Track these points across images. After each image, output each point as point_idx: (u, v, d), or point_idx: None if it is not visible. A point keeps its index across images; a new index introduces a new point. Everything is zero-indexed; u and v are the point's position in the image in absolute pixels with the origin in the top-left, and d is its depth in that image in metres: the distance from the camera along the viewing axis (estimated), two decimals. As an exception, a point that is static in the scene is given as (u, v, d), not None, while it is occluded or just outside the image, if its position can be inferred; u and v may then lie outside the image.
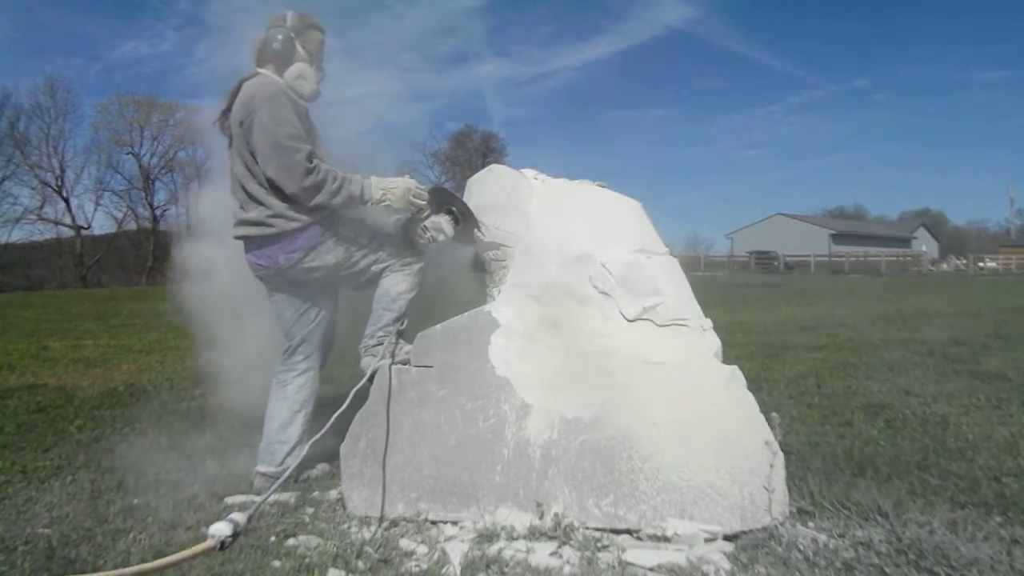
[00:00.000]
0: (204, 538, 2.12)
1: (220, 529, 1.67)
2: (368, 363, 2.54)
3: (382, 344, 2.58)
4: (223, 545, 1.66)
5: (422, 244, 2.65)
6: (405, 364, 2.40)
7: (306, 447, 2.71)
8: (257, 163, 2.53)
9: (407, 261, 2.71)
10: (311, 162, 2.47)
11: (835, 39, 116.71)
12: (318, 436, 2.19)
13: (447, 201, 2.64)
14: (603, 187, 2.69)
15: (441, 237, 2.60)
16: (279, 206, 2.53)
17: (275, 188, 2.52)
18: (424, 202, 2.63)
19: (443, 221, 2.60)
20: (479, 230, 2.60)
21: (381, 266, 2.70)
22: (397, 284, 2.68)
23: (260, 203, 2.56)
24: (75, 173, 40.27)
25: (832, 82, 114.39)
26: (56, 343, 7.92)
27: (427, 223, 2.61)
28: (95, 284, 35.38)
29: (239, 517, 1.71)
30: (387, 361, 2.48)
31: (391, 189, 2.60)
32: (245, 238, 2.64)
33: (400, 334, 2.62)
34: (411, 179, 2.64)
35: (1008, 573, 1.83)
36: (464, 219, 2.61)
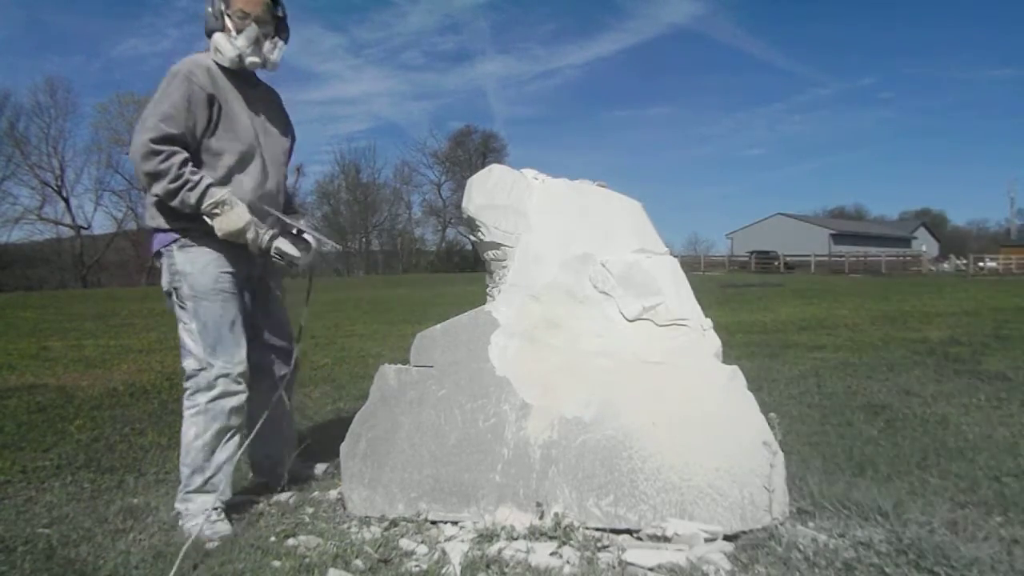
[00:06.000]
0: (206, 540, 2.13)
1: None
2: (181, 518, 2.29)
3: (189, 504, 2.29)
4: None
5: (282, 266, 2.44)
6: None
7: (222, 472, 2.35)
8: None
9: (197, 385, 2.34)
10: (159, 145, 2.22)
11: (842, 36, 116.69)
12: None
13: (288, 226, 2.46)
14: (603, 187, 2.69)
15: (288, 261, 2.38)
16: (148, 198, 2.35)
17: None
18: (253, 238, 2.32)
19: (283, 244, 2.37)
20: (329, 243, 2.46)
21: (184, 340, 2.35)
22: (187, 430, 2.34)
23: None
24: (75, 173, 40.41)
25: (839, 80, 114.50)
26: (56, 343, 7.92)
27: (272, 250, 2.37)
28: (95, 284, 35.40)
29: None
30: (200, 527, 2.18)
31: (226, 213, 2.27)
32: None
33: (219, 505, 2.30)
34: (249, 217, 2.30)
35: (1008, 573, 1.83)
36: (309, 240, 2.45)
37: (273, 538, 2.16)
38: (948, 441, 3.19)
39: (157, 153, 2.21)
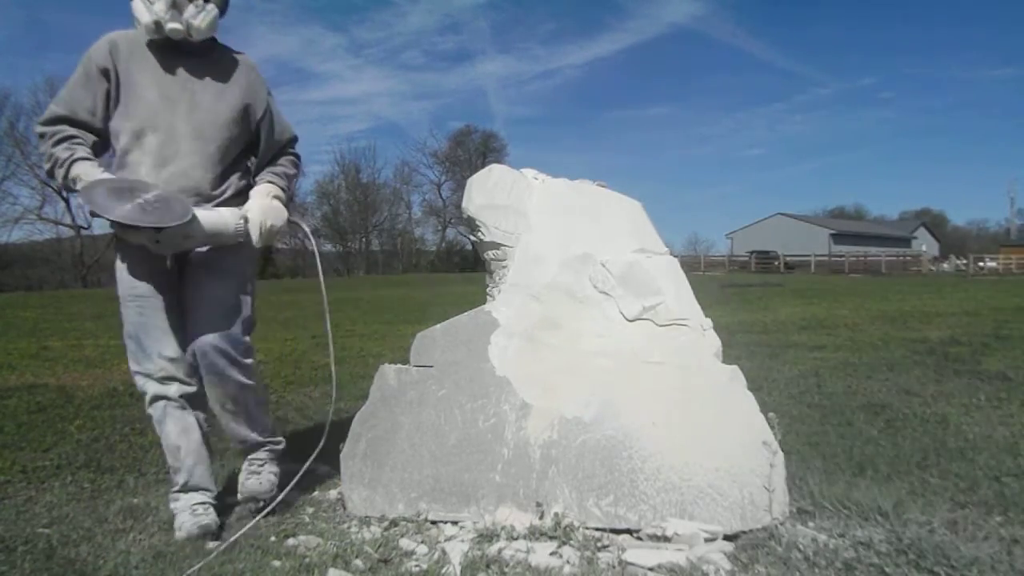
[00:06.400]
0: (204, 540, 2.13)
1: None
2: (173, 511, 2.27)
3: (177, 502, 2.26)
4: None
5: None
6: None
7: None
8: None
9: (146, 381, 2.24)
10: (42, 127, 2.14)
11: (842, 36, 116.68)
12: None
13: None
14: (603, 187, 2.69)
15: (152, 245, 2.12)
16: None
17: None
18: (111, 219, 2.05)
19: (117, 226, 2.09)
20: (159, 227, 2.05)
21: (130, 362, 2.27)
22: (158, 434, 2.30)
23: None
24: (75, 173, 40.26)
25: (839, 80, 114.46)
26: (56, 343, 7.91)
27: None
28: (95, 284, 35.35)
29: None
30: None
31: (83, 189, 2.06)
32: None
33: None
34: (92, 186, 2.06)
35: (1008, 573, 1.83)
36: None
37: (273, 538, 2.16)
38: (948, 441, 3.19)
39: (42, 135, 2.15)
